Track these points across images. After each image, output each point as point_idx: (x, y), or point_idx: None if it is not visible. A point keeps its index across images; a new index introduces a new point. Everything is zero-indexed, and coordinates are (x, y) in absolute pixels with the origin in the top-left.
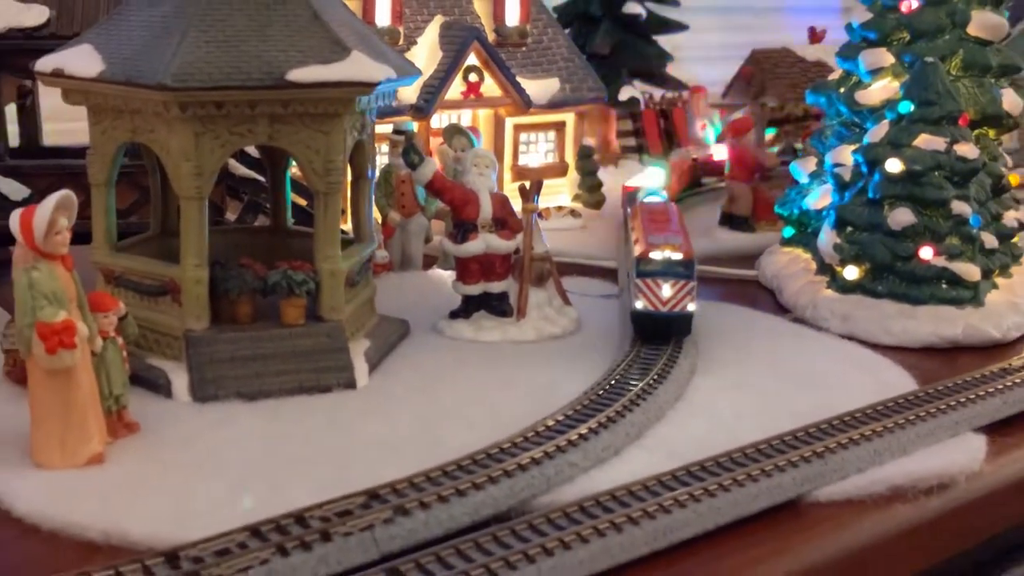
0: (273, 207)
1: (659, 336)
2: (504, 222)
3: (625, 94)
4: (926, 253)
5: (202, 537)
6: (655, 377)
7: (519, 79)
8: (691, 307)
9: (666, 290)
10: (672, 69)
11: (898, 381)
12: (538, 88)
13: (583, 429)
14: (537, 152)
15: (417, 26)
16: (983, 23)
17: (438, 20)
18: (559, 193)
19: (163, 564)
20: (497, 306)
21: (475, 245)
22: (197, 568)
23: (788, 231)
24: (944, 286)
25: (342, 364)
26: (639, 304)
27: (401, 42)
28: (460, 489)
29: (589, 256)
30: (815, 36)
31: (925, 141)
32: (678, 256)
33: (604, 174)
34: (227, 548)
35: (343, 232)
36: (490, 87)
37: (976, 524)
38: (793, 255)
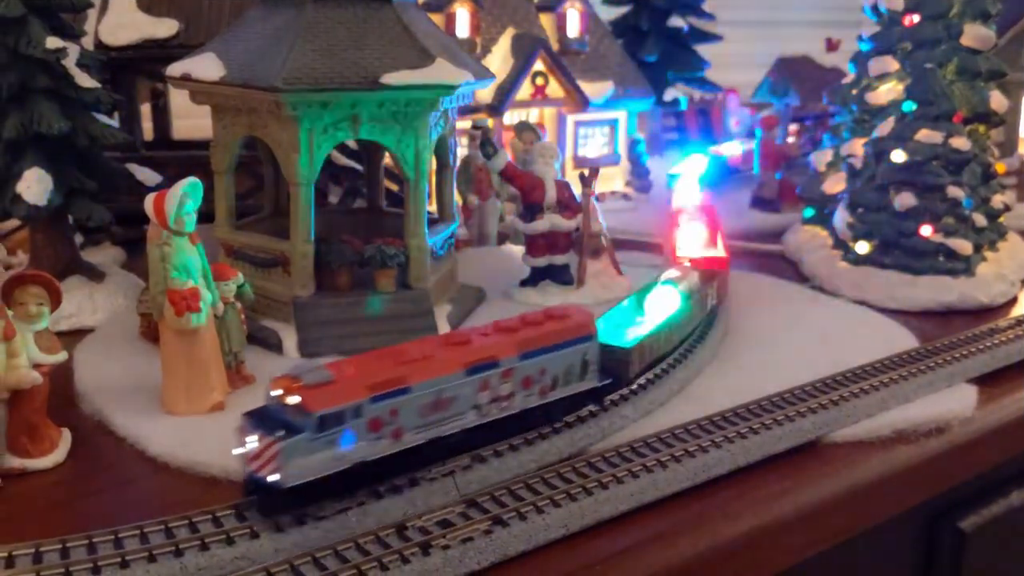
0: (369, 192)
1: (266, 504)
2: (566, 204)
3: (669, 95)
4: (926, 231)
5: None
6: (694, 340)
7: (579, 82)
8: (273, 478)
9: (252, 443)
10: (709, 73)
11: (902, 339)
12: (595, 90)
13: (633, 385)
14: (594, 144)
15: (492, 37)
16: (974, 35)
17: (510, 32)
18: (613, 179)
19: None
20: (560, 276)
21: (541, 224)
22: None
23: (809, 211)
24: (941, 259)
25: (428, 325)
26: (235, 449)
27: (478, 51)
28: (528, 438)
29: (639, 233)
30: (831, 46)
31: (925, 135)
32: (294, 401)
33: (650, 163)
34: None
35: (429, 213)
36: (554, 89)
37: (968, 462)
38: (813, 232)
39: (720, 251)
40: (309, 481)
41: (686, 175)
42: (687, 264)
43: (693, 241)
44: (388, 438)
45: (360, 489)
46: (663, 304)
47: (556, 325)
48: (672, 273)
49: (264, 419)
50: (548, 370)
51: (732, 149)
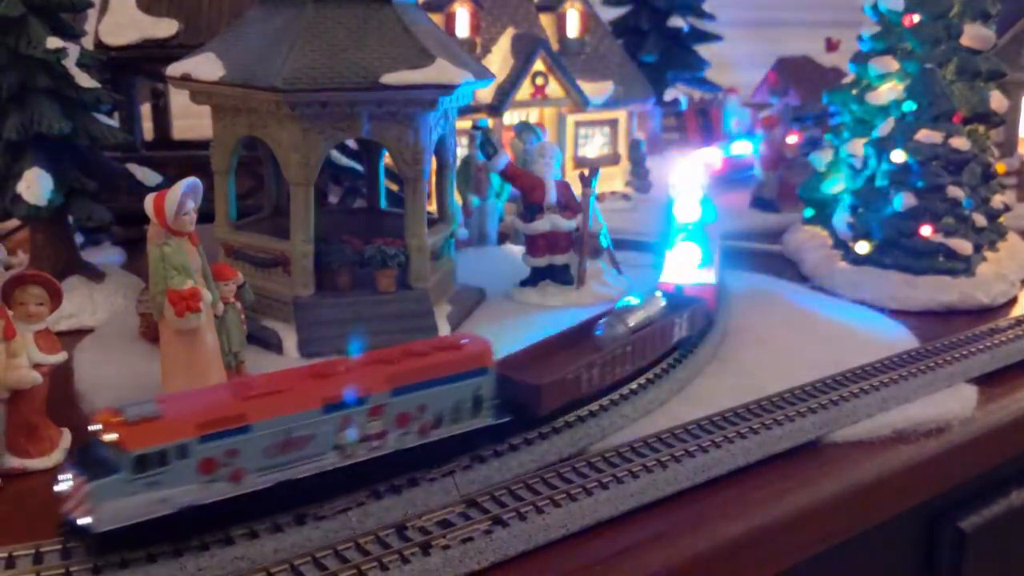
0: (369, 192)
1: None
2: (566, 204)
3: (669, 95)
4: (926, 231)
5: None
6: (693, 339)
7: (579, 82)
8: (84, 520)
9: (65, 484)
10: (709, 73)
11: (902, 340)
12: (595, 90)
13: (633, 385)
14: (594, 144)
15: (492, 37)
16: (974, 35)
17: (510, 32)
18: (613, 179)
19: None
20: (560, 276)
21: (542, 224)
22: (304, 508)
23: (808, 211)
24: (941, 259)
25: (428, 325)
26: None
27: (478, 51)
28: (528, 438)
29: (639, 232)
30: (831, 46)
31: (925, 135)
32: (112, 438)
33: (650, 163)
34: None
35: (429, 213)
36: (554, 89)
37: (968, 462)
38: (813, 232)
39: (709, 278)
40: (129, 525)
41: (687, 190)
42: (657, 290)
43: (683, 264)
44: (225, 481)
45: (196, 534)
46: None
47: (444, 356)
48: (631, 299)
49: (88, 456)
50: (430, 407)
51: (713, 155)
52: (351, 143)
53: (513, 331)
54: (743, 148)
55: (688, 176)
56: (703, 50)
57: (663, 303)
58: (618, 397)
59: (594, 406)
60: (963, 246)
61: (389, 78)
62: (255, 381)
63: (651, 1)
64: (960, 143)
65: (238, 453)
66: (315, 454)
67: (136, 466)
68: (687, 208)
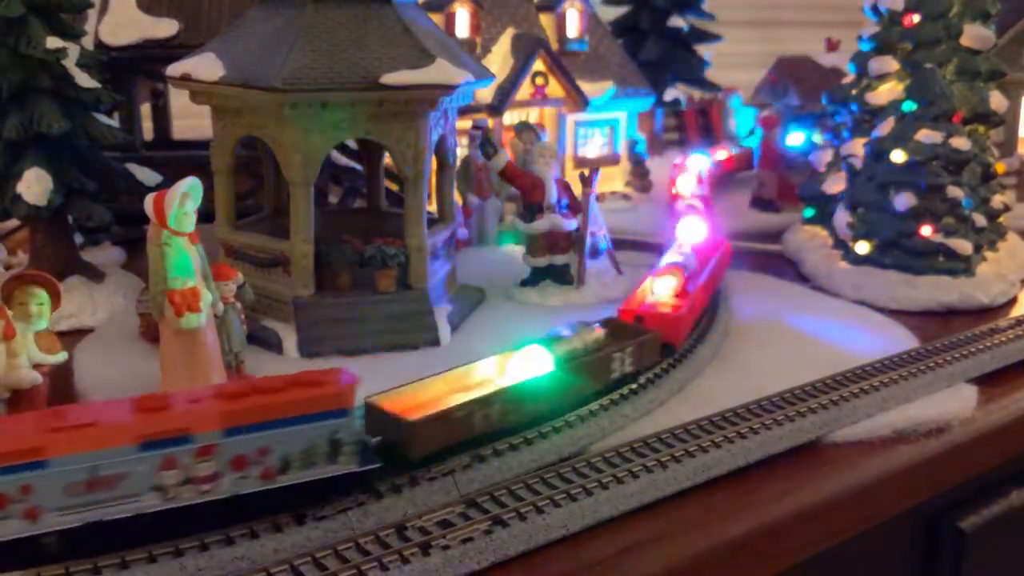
0: (369, 191)
1: None
2: (566, 204)
3: (669, 95)
4: (926, 231)
5: None
6: (694, 339)
7: (578, 82)
8: None
9: None
10: (709, 73)
11: (902, 340)
12: (594, 90)
13: (633, 384)
14: (594, 144)
15: (492, 37)
16: (974, 35)
17: (510, 32)
18: (613, 179)
19: None
20: (560, 276)
21: (541, 224)
22: (305, 511)
23: (808, 211)
24: (941, 259)
25: (428, 325)
26: None
27: (478, 51)
28: (528, 438)
29: (638, 232)
30: (831, 46)
31: (925, 135)
32: None
33: (650, 163)
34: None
35: (429, 213)
36: (554, 89)
37: (968, 462)
38: (812, 232)
39: (680, 305)
40: None
41: (686, 202)
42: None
43: (659, 289)
44: (19, 518)
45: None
46: (524, 368)
47: (294, 394)
48: (563, 329)
49: None
50: (274, 449)
51: (705, 161)
52: (351, 143)
53: (514, 330)
54: (727, 152)
55: (687, 188)
56: (703, 50)
57: (599, 335)
58: (618, 396)
59: (594, 405)
60: (963, 246)
61: (389, 78)
62: (70, 411)
63: (651, 1)
64: (960, 143)
65: (32, 489)
66: (129, 495)
67: None
68: (688, 226)
